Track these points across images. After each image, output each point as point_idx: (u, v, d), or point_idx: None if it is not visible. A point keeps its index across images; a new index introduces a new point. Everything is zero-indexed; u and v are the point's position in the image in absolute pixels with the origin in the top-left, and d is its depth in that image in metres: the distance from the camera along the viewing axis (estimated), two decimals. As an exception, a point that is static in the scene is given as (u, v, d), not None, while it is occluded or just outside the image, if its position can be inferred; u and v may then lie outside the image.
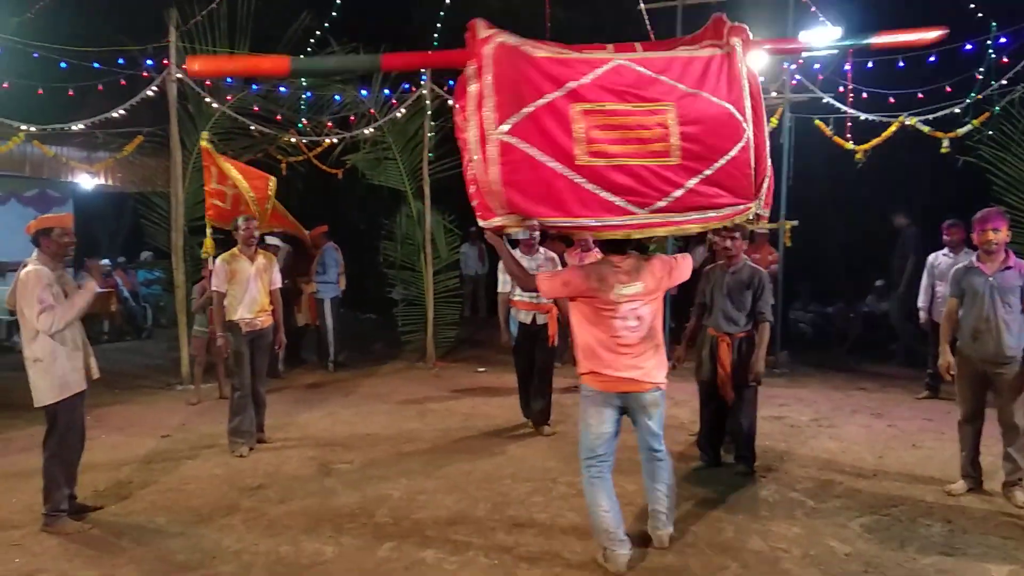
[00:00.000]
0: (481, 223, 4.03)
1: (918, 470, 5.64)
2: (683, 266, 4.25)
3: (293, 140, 10.37)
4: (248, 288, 6.17)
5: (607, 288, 4.01)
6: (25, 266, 4.54)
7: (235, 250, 6.26)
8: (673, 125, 3.84)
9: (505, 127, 3.70)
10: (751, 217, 4.18)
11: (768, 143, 4.13)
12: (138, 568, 4.13)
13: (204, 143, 7.42)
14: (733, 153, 3.95)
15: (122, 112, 8.49)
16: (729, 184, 3.98)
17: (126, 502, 5.08)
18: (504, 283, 6.68)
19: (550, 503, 4.99)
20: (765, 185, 4.11)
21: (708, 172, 3.90)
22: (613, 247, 4.15)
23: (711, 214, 4.02)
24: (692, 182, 3.90)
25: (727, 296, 5.46)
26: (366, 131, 10.01)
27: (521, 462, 5.87)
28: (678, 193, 3.89)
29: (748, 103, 3.99)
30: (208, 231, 7.50)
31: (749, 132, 3.98)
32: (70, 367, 4.60)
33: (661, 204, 3.88)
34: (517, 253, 6.52)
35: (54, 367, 4.53)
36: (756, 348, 5.40)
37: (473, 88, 3.78)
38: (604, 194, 3.81)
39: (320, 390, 8.66)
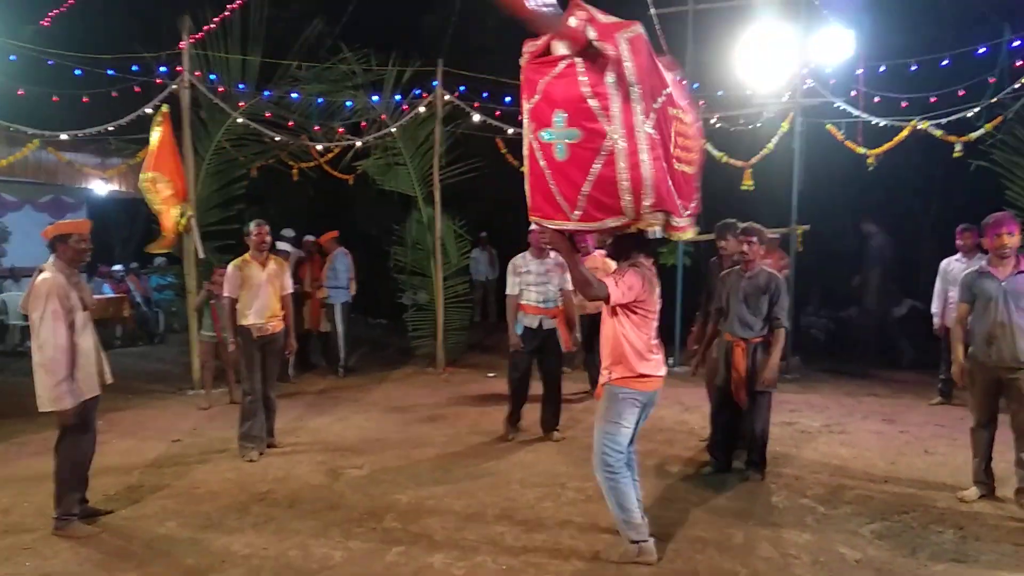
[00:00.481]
0: (587, 226, 3.79)
1: (930, 476, 5.60)
2: None
3: (304, 144, 10.42)
4: (259, 294, 6.19)
5: (653, 290, 4.10)
6: (41, 271, 4.55)
7: (246, 256, 6.28)
8: (696, 136, 4.22)
9: (651, 120, 3.55)
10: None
11: None
12: (148, 572, 4.15)
13: (164, 109, 7.71)
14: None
15: (123, 123, 8.55)
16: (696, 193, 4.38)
17: (136, 506, 5.11)
18: (513, 286, 6.56)
19: (559, 508, 4.98)
20: None
21: (697, 182, 4.33)
22: (647, 249, 4.17)
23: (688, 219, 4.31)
24: (696, 187, 4.29)
25: (743, 301, 5.41)
26: (373, 137, 10.04)
27: (530, 467, 5.87)
28: (696, 197, 4.22)
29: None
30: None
31: None
32: (83, 373, 4.61)
33: (689, 208, 4.11)
34: (523, 257, 6.48)
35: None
36: (770, 354, 5.35)
37: (611, 76, 3.48)
38: (676, 196, 3.90)
39: (330, 395, 8.69)
